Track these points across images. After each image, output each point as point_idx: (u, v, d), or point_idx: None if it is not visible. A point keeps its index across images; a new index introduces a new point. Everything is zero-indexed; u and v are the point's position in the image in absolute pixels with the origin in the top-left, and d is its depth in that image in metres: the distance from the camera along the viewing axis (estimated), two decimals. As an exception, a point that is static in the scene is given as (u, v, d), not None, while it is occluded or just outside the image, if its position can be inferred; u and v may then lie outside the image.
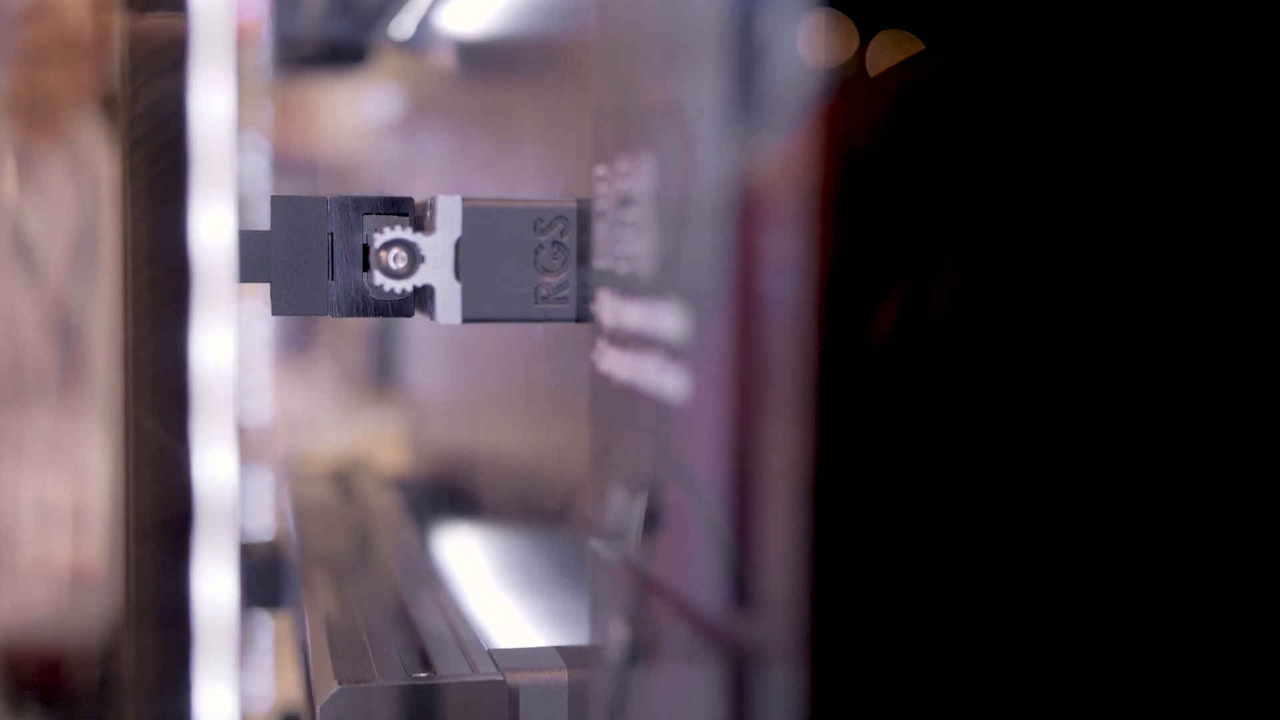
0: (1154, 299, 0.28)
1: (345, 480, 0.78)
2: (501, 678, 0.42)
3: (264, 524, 0.94)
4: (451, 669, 0.43)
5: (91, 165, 1.38)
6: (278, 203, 0.40)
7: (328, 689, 0.41)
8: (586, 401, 0.39)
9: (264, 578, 0.77)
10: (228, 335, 0.32)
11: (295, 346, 1.62)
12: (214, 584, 0.30)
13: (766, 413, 0.27)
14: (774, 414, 0.27)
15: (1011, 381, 0.28)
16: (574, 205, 0.41)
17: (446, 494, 0.74)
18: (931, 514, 0.28)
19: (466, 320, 0.41)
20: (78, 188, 1.39)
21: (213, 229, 0.33)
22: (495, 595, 0.61)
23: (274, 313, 0.42)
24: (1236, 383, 0.28)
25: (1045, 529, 0.28)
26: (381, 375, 1.11)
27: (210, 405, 0.30)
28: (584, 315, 0.41)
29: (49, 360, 1.33)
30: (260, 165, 1.11)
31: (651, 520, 0.33)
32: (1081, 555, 0.28)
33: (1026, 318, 0.28)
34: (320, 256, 0.41)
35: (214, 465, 0.30)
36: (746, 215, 0.28)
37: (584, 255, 0.41)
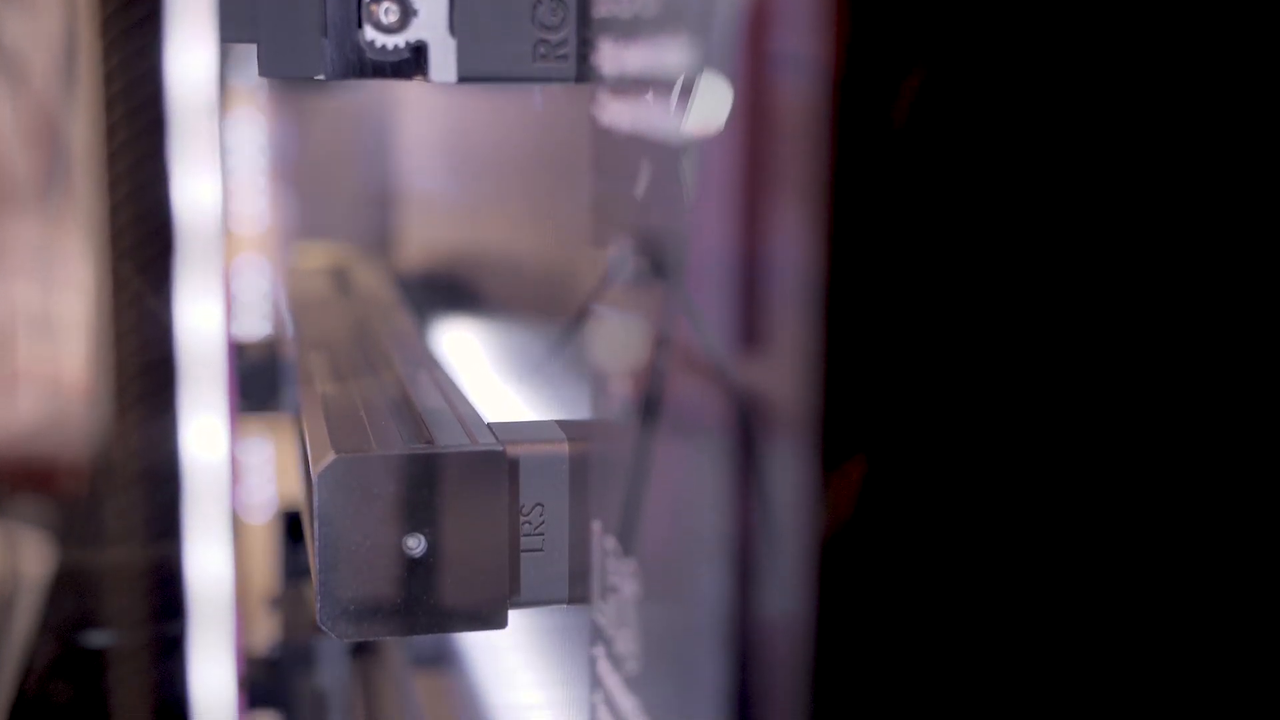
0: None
1: (343, 275, 0.77)
2: (501, 448, 0.41)
3: (260, 326, 0.93)
4: (450, 441, 0.42)
5: None
6: (264, -50, 0.38)
7: (324, 459, 0.40)
8: (587, 166, 0.38)
9: (260, 379, 0.77)
10: (206, 51, 0.31)
11: (291, 170, 1.60)
12: (200, 316, 0.29)
13: (776, 158, 0.26)
14: (784, 159, 0.26)
15: (1038, 169, 0.27)
16: (574, -43, 0.39)
17: (445, 287, 0.73)
18: (947, 295, 0.27)
19: (462, 79, 0.40)
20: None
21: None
22: (495, 383, 0.61)
23: (261, 74, 0.40)
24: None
25: (1062, 322, 0.27)
26: (380, 203, 1.10)
27: (190, 129, 0.29)
28: (584, 75, 0.40)
29: (34, 170, 1.31)
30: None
31: (655, 272, 0.32)
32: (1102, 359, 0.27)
33: (1059, 104, 0.26)
34: (312, 12, 0.39)
35: (197, 192, 0.29)
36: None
37: (584, 11, 0.39)
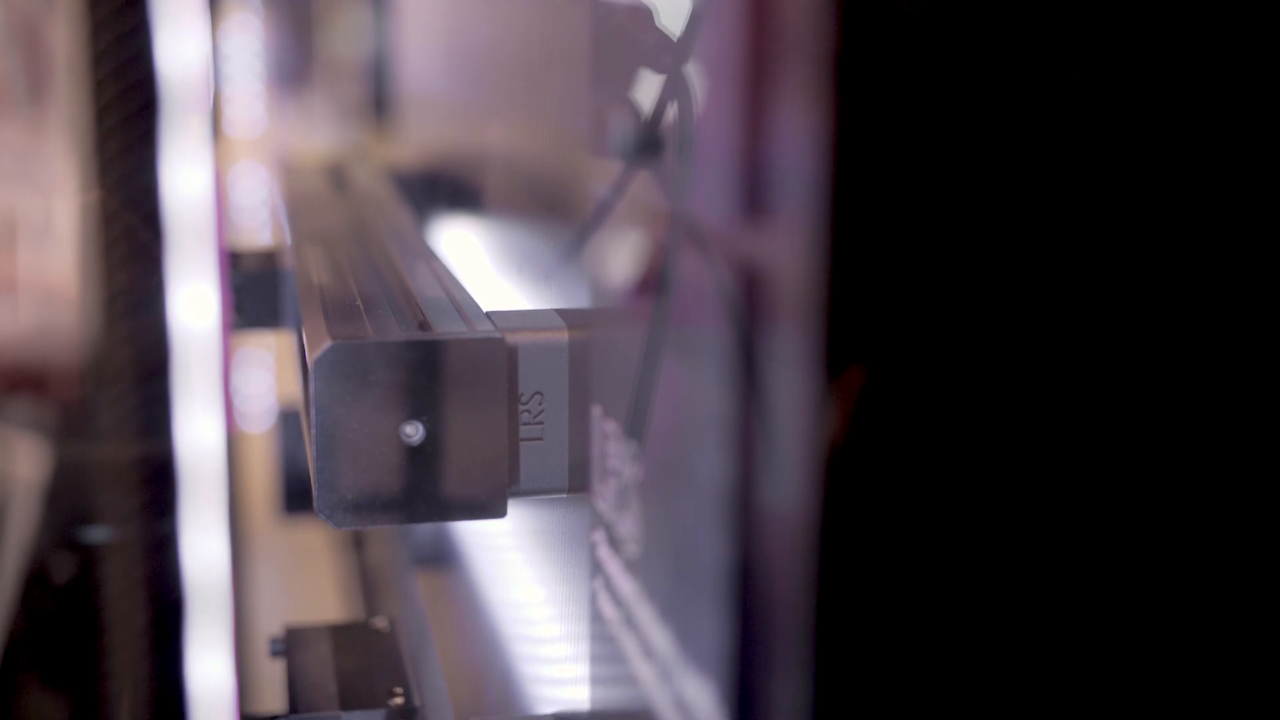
0: None
1: (340, 173, 0.76)
2: (500, 336, 0.41)
3: (256, 228, 0.92)
4: (448, 328, 0.42)
5: None
6: None
7: (320, 345, 0.40)
8: (587, 55, 0.37)
9: (258, 291, 0.75)
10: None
11: (290, 84, 1.59)
12: (186, 178, 0.28)
13: (782, 32, 0.25)
14: (790, 32, 0.25)
15: (1057, 50, 0.26)
16: None
17: (445, 185, 0.72)
18: (957, 178, 0.26)
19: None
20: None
21: None
22: (493, 278, 0.60)
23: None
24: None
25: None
26: (379, 111, 1.09)
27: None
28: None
29: (13, 74, 1.29)
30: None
31: (654, 146, 0.32)
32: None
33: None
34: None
35: (181, 51, 0.28)
36: None
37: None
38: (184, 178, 0.28)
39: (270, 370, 1.46)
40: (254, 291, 0.72)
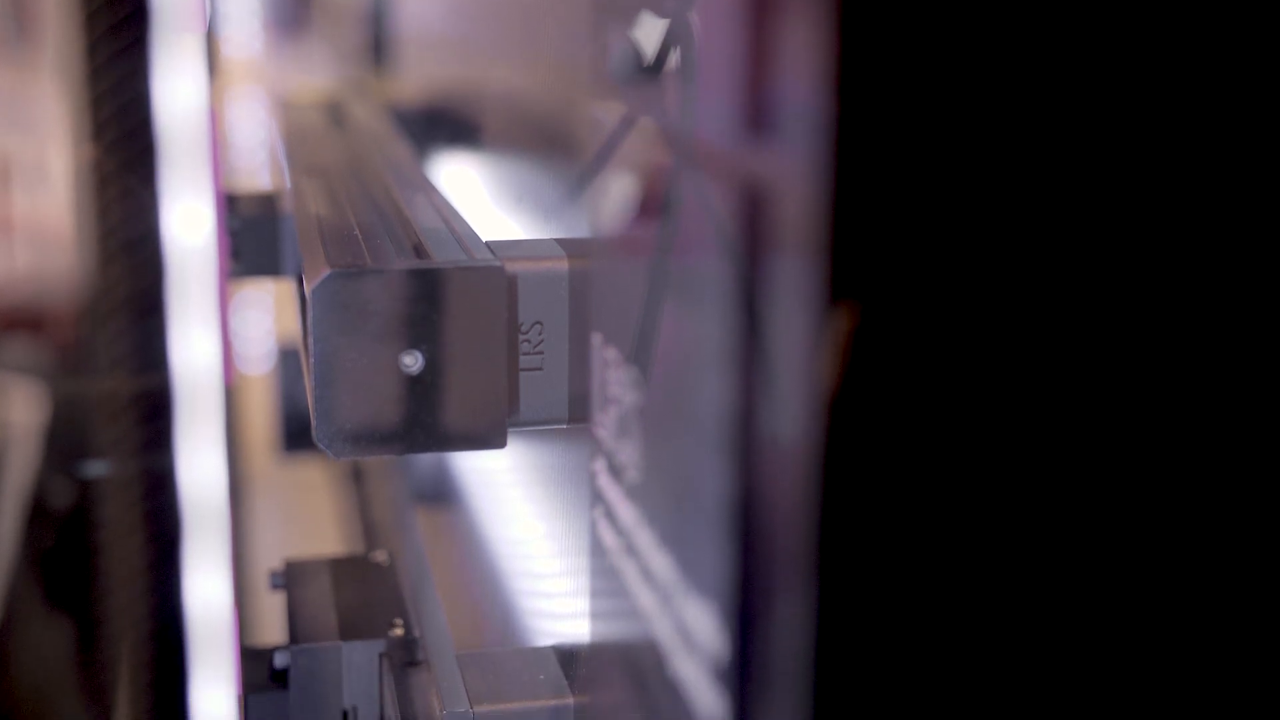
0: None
1: (338, 109, 0.75)
2: (499, 264, 0.41)
3: (254, 170, 0.91)
4: (447, 257, 0.41)
5: None
6: None
7: (318, 275, 0.40)
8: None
9: (255, 236, 0.74)
10: None
11: (288, 27, 1.58)
12: (178, 90, 0.28)
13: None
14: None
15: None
16: None
17: (445, 122, 0.72)
18: (962, 96, 0.26)
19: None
20: None
21: None
22: (493, 212, 0.60)
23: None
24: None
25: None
26: (378, 57, 1.08)
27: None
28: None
29: (2, 13, 1.28)
30: None
31: (656, 68, 0.31)
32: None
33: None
34: None
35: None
36: None
37: None
38: (176, 89, 0.28)
39: (269, 313, 1.46)
40: (251, 236, 0.70)
